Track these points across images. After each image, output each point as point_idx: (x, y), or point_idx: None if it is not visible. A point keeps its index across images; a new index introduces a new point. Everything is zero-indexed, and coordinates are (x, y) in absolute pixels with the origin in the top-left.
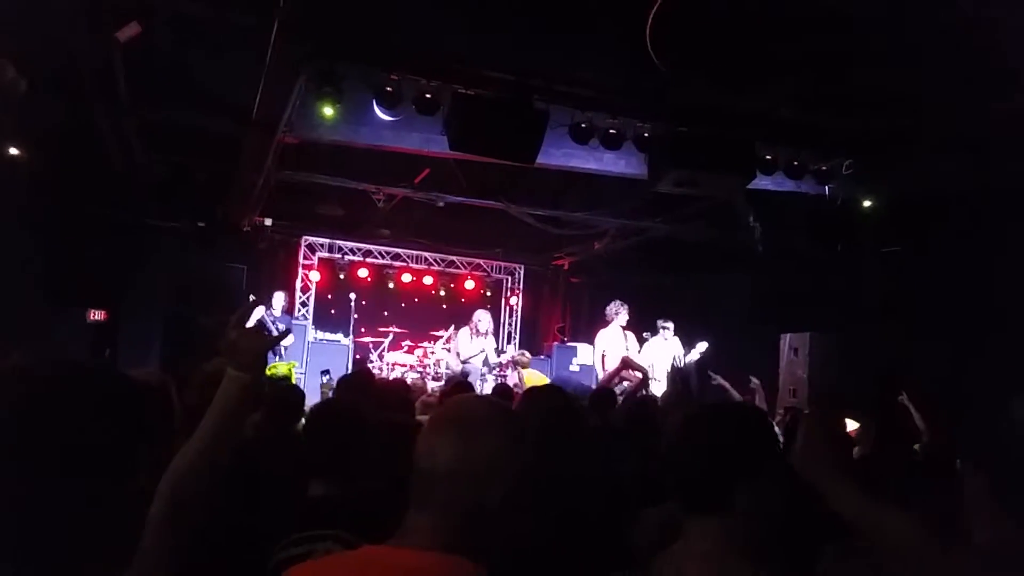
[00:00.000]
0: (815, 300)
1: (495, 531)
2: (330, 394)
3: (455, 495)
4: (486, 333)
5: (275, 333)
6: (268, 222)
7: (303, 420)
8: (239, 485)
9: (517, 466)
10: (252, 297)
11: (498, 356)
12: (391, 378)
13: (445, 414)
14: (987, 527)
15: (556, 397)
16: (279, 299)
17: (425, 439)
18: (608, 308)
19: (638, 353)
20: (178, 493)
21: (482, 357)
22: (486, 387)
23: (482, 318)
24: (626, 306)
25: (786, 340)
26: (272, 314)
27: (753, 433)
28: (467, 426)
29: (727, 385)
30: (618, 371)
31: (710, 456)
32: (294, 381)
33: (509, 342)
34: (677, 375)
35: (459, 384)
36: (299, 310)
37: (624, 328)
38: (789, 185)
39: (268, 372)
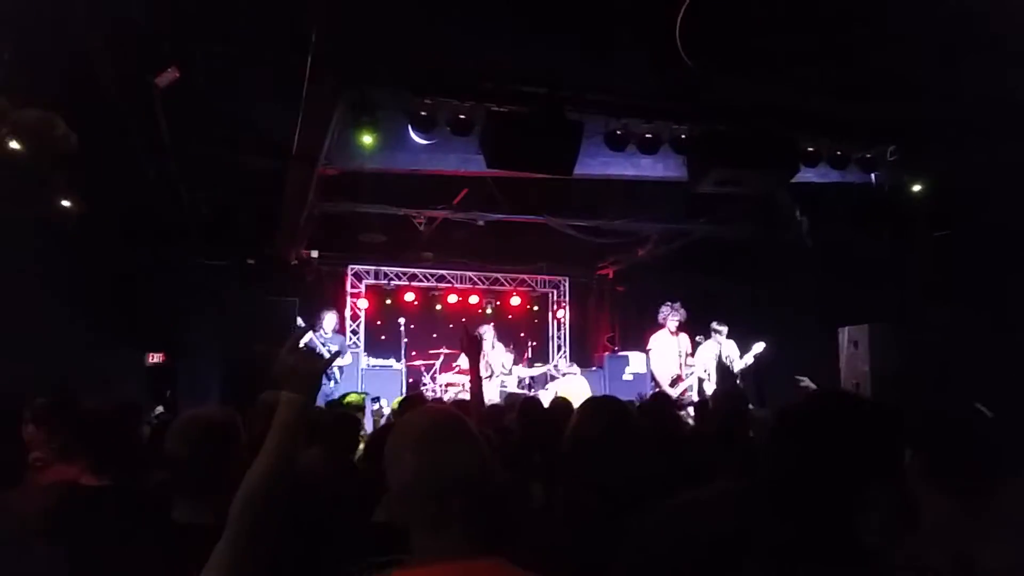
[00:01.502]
0: (869, 291)
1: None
2: (382, 421)
3: (474, 502)
4: (491, 347)
5: (326, 355)
6: (315, 254)
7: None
8: (304, 517)
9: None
10: (300, 323)
11: (528, 367)
12: (446, 399)
13: (422, 429)
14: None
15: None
16: (330, 320)
17: (422, 455)
18: (660, 311)
19: (689, 355)
20: (247, 516)
21: (495, 371)
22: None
23: (484, 334)
24: (678, 308)
25: (845, 333)
26: (323, 335)
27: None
28: (458, 436)
29: (812, 385)
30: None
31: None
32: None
33: (559, 354)
34: (726, 373)
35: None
36: (350, 338)
37: (679, 330)
38: (834, 176)
39: (343, 402)
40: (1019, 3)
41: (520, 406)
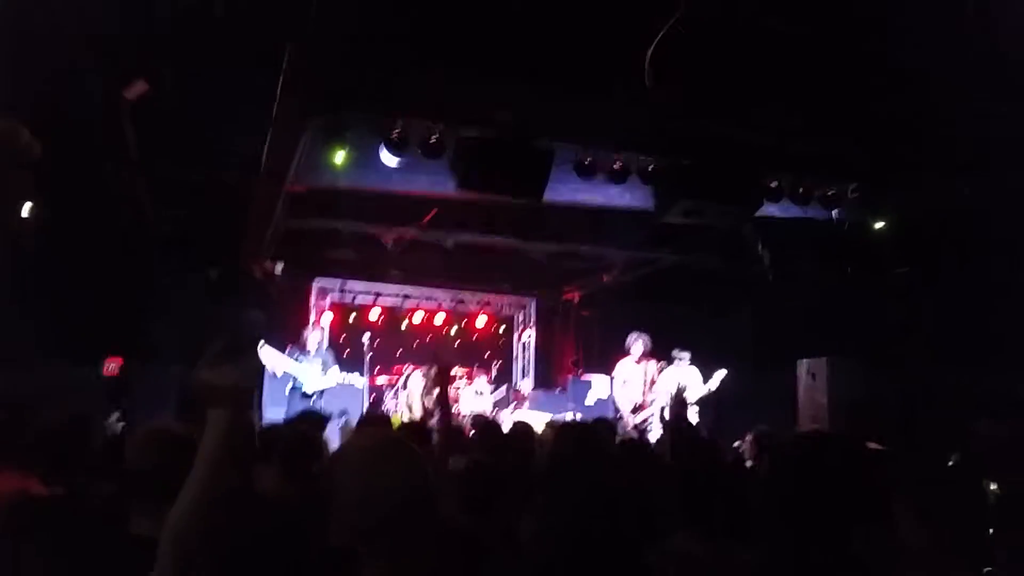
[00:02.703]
0: (828, 325)
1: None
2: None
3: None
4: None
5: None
6: (279, 268)
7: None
8: (258, 540)
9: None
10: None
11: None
12: (406, 418)
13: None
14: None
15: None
16: (314, 337)
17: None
18: (627, 339)
19: (652, 383)
20: (177, 551)
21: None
22: None
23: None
24: (642, 336)
25: (803, 366)
26: (304, 355)
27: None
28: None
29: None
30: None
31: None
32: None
33: (524, 376)
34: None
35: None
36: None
37: (646, 358)
38: (796, 211)
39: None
40: (984, 42)
41: (479, 430)
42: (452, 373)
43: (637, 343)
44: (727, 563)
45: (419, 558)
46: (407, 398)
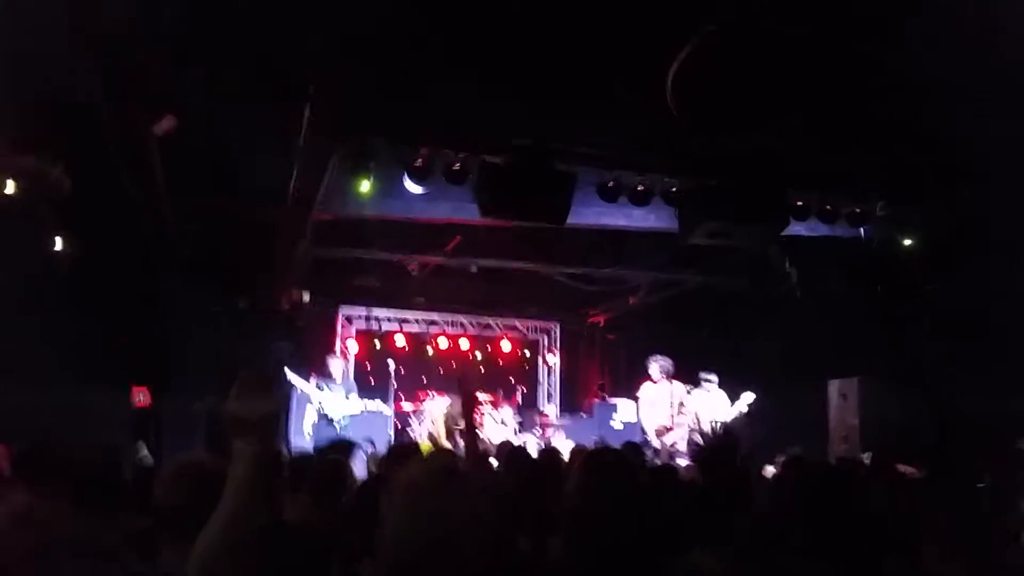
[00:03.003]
0: (859, 344)
1: None
2: (374, 467)
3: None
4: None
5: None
6: (306, 297)
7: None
8: (285, 569)
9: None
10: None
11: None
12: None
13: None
14: None
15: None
16: (337, 366)
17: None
18: (648, 362)
19: (681, 405)
20: None
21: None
22: None
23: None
24: (660, 358)
25: (834, 386)
26: (331, 383)
27: None
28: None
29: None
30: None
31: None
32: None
33: (549, 401)
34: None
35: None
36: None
37: (670, 379)
38: (823, 230)
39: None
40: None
41: (506, 457)
42: (478, 399)
43: (654, 365)
44: None
45: None
46: (430, 425)
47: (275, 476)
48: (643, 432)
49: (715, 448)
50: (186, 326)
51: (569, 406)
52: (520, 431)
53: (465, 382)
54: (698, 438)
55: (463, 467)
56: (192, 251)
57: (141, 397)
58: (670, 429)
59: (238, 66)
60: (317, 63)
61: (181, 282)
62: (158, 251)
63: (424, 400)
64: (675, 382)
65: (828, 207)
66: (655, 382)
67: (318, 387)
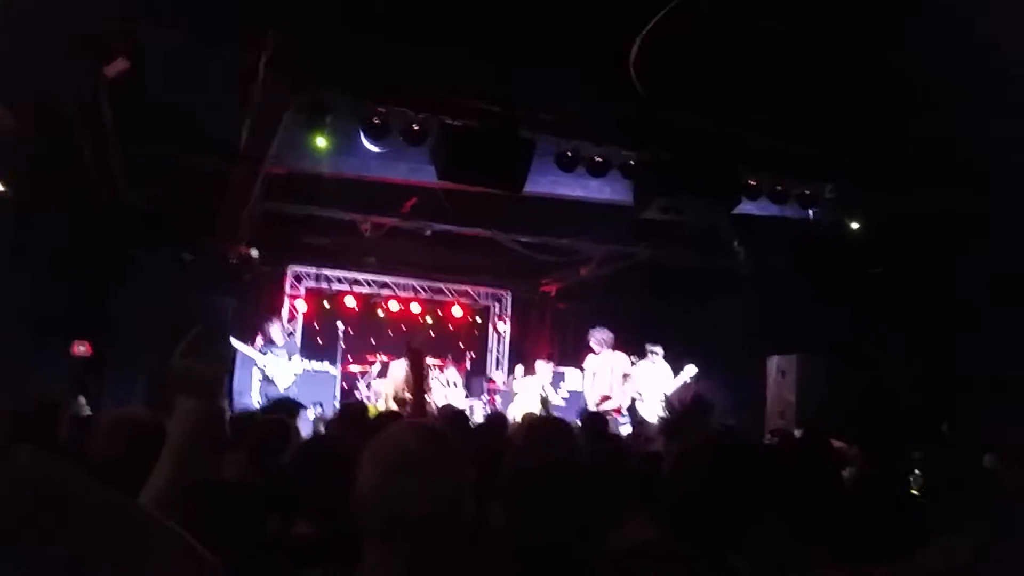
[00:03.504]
0: (801, 323)
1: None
2: (322, 428)
3: (423, 528)
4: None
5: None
6: (255, 253)
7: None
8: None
9: (464, 494)
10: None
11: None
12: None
13: (389, 450)
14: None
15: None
16: (276, 329)
17: (377, 473)
18: (589, 334)
19: (625, 376)
20: None
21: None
22: None
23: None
24: (599, 331)
25: (773, 363)
26: (274, 347)
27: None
28: (416, 463)
29: None
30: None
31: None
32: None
33: (497, 368)
34: (672, 405)
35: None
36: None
37: (609, 350)
38: (773, 210)
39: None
40: (966, 53)
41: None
42: (426, 362)
43: (593, 337)
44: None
45: (434, 549)
46: (389, 386)
47: (216, 434)
48: (585, 402)
49: (683, 417)
50: (131, 277)
51: (514, 378)
52: (468, 396)
53: (414, 345)
54: (659, 408)
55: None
56: (139, 200)
57: (82, 348)
58: (608, 398)
59: (194, 10)
60: (277, 10)
61: (127, 232)
62: (104, 199)
63: (373, 363)
64: (617, 353)
65: (779, 187)
66: (596, 353)
67: (261, 351)
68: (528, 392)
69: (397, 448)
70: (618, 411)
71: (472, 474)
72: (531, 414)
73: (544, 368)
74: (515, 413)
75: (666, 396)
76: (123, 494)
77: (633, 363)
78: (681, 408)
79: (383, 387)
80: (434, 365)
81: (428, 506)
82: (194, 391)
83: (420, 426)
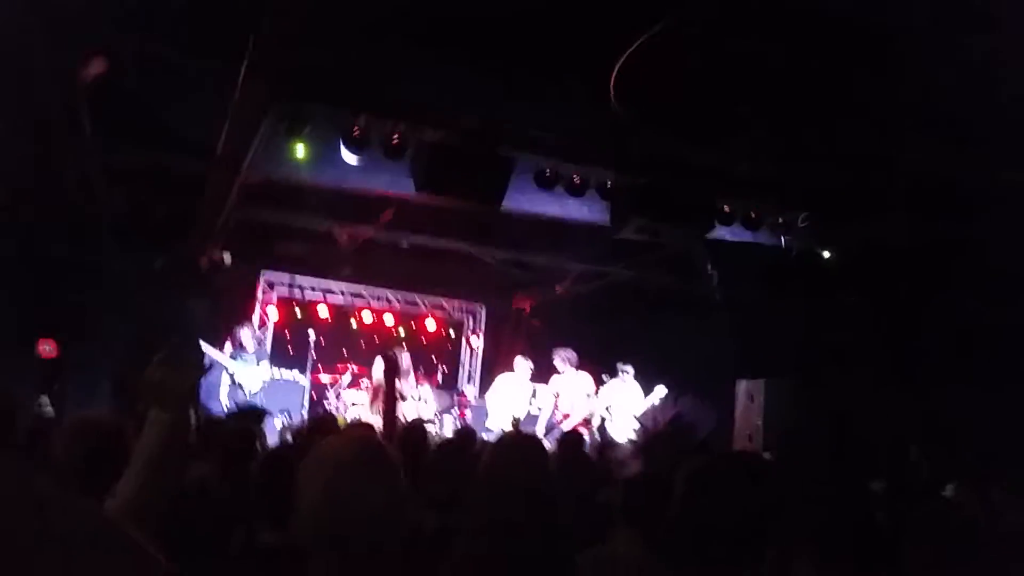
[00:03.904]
0: (771, 348)
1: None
2: (288, 437)
3: (360, 539)
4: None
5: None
6: (228, 258)
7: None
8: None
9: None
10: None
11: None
12: (349, 417)
13: (328, 462)
14: None
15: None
16: (248, 335)
17: (317, 488)
18: (553, 355)
19: (587, 397)
20: None
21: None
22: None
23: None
24: (563, 351)
25: (742, 386)
26: (244, 353)
27: None
28: (354, 475)
29: None
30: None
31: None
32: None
33: (469, 382)
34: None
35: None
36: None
37: (573, 369)
38: (746, 236)
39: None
40: (945, 79)
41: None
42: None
43: (558, 356)
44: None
45: (379, 559)
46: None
47: (184, 445)
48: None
49: (661, 436)
50: (101, 279)
51: (488, 388)
52: (439, 410)
53: (387, 357)
54: (629, 428)
55: (384, 443)
56: (116, 204)
57: (47, 348)
58: (568, 416)
59: (174, 15)
60: (259, 15)
61: (99, 234)
62: (77, 201)
63: (344, 373)
64: (581, 372)
65: (753, 214)
66: (560, 373)
67: (232, 357)
68: (509, 389)
69: (332, 461)
70: (587, 424)
71: (406, 485)
72: (507, 434)
73: (523, 364)
74: (497, 411)
75: (639, 418)
76: (74, 495)
77: (603, 381)
78: (658, 429)
79: (359, 397)
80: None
81: (364, 517)
82: (167, 402)
83: (354, 439)
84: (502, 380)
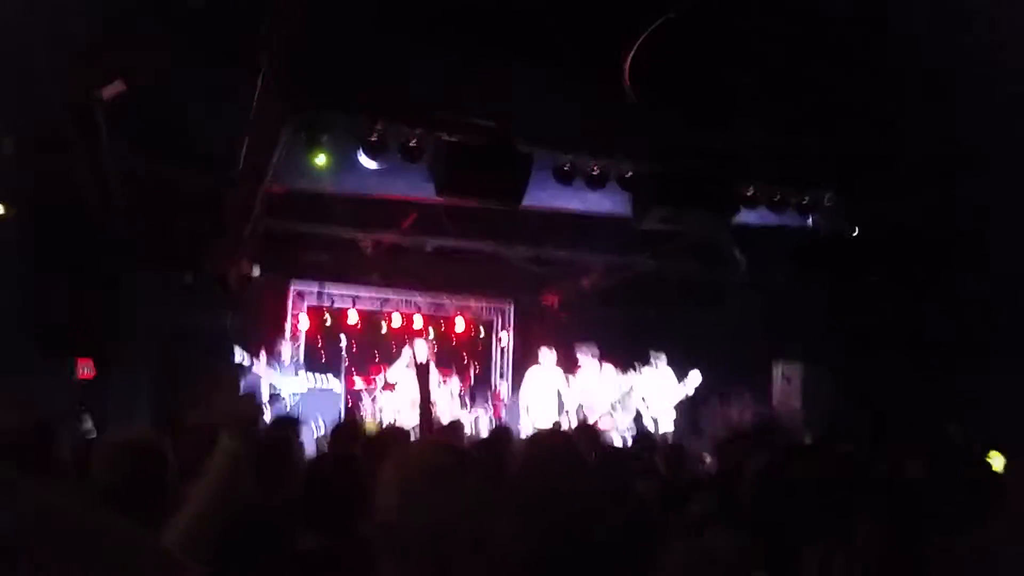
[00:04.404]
0: (803, 330)
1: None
2: (324, 445)
3: (434, 542)
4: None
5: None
6: (256, 271)
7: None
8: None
9: (487, 518)
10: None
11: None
12: (386, 424)
13: (410, 468)
14: None
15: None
16: (287, 349)
17: (396, 494)
18: (577, 348)
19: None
20: None
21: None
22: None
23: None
24: (585, 345)
25: (778, 369)
26: (281, 364)
27: None
28: (437, 481)
29: None
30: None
31: None
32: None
33: (501, 379)
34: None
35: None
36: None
37: (598, 363)
38: (773, 219)
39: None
40: (968, 55)
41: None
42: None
43: (579, 352)
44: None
45: (450, 566)
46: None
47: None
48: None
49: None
50: (131, 298)
51: (520, 385)
52: (472, 408)
53: (419, 363)
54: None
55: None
56: (138, 221)
57: (86, 370)
58: (593, 410)
59: (190, 28)
60: (272, 29)
61: (127, 252)
62: (103, 220)
63: (377, 376)
64: (606, 365)
65: (778, 197)
66: (583, 367)
67: (268, 366)
68: (539, 384)
69: (417, 467)
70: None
71: (487, 491)
72: (539, 432)
73: (547, 355)
74: (529, 407)
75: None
76: (118, 519)
77: (637, 370)
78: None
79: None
80: (440, 380)
81: (446, 523)
82: (233, 430)
83: (439, 445)
84: (532, 375)
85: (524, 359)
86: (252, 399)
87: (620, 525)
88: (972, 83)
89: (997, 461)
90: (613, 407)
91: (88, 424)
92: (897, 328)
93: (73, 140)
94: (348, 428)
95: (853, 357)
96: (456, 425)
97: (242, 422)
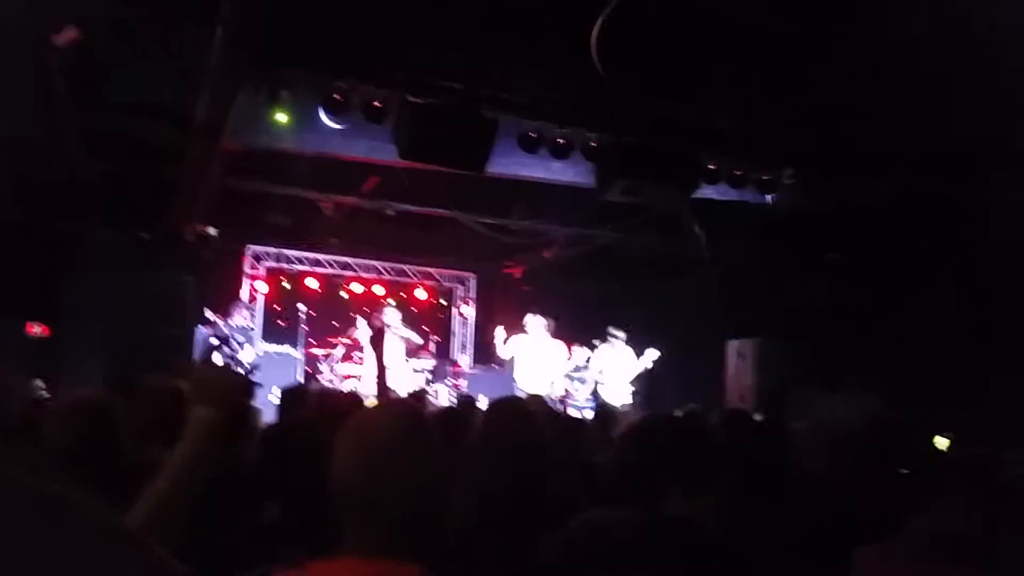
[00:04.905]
0: (760, 307)
1: (432, 533)
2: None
3: (394, 506)
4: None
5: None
6: (212, 232)
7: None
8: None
9: (443, 476)
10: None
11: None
12: (344, 391)
13: (368, 432)
14: None
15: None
16: (242, 311)
17: (355, 456)
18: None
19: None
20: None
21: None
22: None
23: (386, 318)
24: (536, 316)
25: (732, 346)
26: (239, 329)
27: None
28: (396, 445)
29: None
30: None
31: None
32: None
33: (463, 351)
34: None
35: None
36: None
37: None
38: (733, 194)
39: None
40: (929, 35)
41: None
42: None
43: (530, 322)
44: None
45: (413, 528)
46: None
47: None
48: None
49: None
50: (85, 255)
51: (482, 357)
52: (433, 380)
53: (376, 324)
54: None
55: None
56: (94, 176)
57: (37, 328)
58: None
59: None
60: None
61: (83, 209)
62: (59, 176)
63: (336, 345)
64: (556, 341)
65: (738, 172)
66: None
67: (227, 332)
68: (532, 350)
69: (373, 431)
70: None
71: (439, 459)
72: (497, 400)
73: (535, 322)
74: (526, 376)
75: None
76: (77, 491)
77: (595, 346)
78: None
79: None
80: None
81: (406, 487)
82: (213, 400)
83: (398, 409)
84: (517, 344)
85: (486, 330)
86: (232, 370)
87: (576, 495)
88: (940, 61)
89: (941, 441)
90: (570, 378)
91: (39, 387)
92: (851, 306)
93: (28, 91)
94: (295, 393)
95: (807, 335)
96: (419, 395)
97: (223, 390)
